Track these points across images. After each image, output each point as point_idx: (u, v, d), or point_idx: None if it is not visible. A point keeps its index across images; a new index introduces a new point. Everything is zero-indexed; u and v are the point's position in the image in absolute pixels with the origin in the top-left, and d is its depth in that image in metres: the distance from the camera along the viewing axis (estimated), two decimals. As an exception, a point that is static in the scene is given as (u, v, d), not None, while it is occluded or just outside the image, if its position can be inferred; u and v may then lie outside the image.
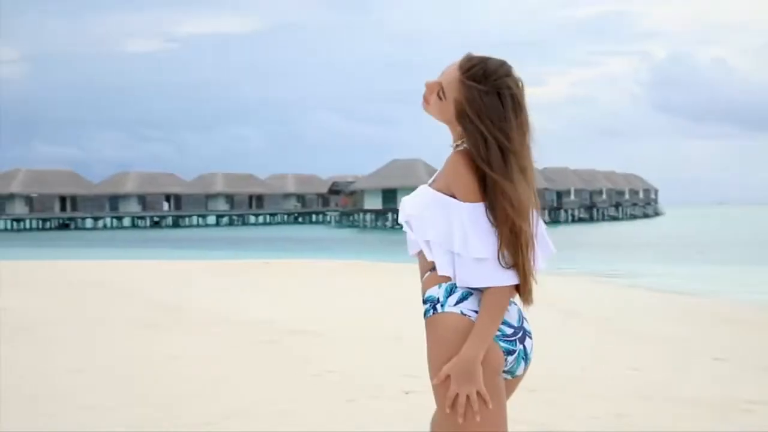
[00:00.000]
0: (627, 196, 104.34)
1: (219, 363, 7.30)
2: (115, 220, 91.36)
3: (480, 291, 2.46)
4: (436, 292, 2.48)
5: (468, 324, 2.43)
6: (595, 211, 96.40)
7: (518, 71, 2.52)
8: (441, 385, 2.42)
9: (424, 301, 2.51)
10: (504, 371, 2.52)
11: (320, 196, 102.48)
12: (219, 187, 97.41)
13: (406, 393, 6.00)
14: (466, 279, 2.45)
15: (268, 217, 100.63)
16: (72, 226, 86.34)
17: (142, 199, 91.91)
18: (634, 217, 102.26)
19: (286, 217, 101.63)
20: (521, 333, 2.55)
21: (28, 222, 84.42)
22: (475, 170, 2.44)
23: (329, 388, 6.18)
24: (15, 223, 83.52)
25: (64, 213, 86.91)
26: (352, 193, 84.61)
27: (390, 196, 77.70)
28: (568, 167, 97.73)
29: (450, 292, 2.47)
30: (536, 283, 2.52)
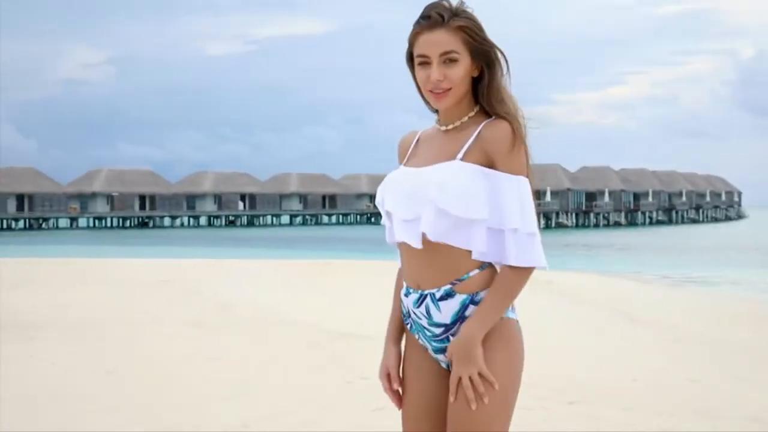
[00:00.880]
0: (708, 199, 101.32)
1: (256, 366, 7.18)
2: (191, 219, 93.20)
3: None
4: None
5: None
6: (674, 213, 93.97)
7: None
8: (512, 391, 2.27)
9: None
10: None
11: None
12: (293, 187, 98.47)
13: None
14: (523, 257, 2.22)
15: (341, 216, 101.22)
16: (150, 224, 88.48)
17: (218, 198, 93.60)
18: (715, 219, 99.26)
19: (358, 217, 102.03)
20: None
21: (109, 220, 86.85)
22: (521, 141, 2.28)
23: (359, 396, 5.97)
24: (97, 221, 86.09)
25: (144, 212, 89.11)
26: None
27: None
28: (646, 168, 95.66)
29: None
30: None
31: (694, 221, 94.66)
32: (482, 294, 2.26)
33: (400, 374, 2.43)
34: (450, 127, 2.35)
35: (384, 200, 2.37)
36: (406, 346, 2.46)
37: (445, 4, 2.26)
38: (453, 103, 2.30)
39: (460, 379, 2.22)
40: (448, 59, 2.25)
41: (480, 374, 2.21)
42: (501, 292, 2.24)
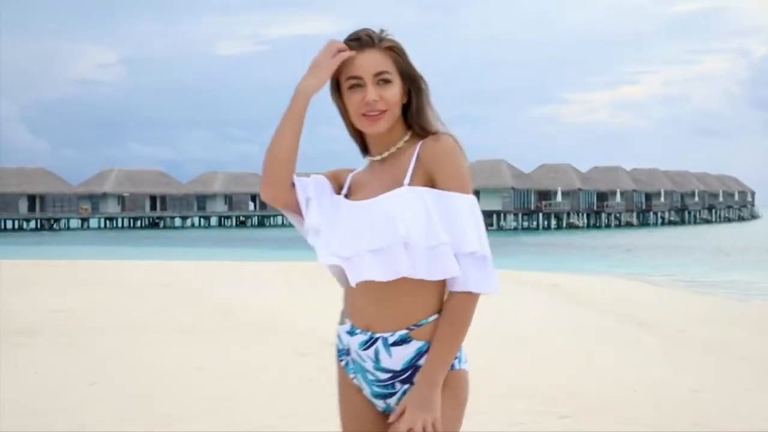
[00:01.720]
0: (721, 199, 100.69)
1: (245, 376, 7.00)
2: (202, 220, 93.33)
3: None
4: None
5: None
6: (686, 213, 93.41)
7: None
8: None
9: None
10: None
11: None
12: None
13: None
14: (484, 283, 2.08)
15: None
16: (161, 224, 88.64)
17: (229, 198, 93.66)
18: (728, 220, 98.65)
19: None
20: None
21: (119, 221, 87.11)
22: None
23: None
24: (108, 222, 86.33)
25: (154, 212, 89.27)
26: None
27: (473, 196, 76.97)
28: (657, 168, 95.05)
29: None
30: None
31: (707, 221, 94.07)
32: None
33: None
34: (386, 155, 2.20)
35: (330, 241, 2.15)
36: (339, 382, 2.27)
37: (370, 29, 2.19)
38: (387, 127, 2.17)
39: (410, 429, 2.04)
40: (382, 80, 2.14)
41: (433, 424, 2.05)
42: (458, 323, 2.08)
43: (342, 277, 2.17)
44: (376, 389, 2.16)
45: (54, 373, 7.00)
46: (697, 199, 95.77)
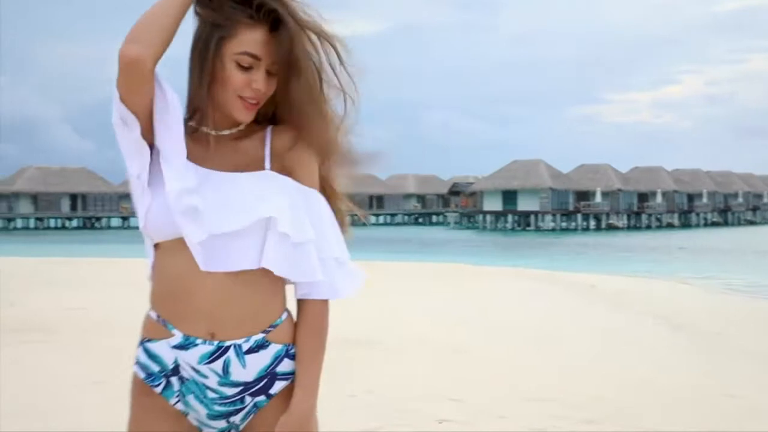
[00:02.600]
0: (766, 200, 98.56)
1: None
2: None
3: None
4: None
5: None
6: (729, 214, 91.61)
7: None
8: None
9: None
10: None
11: (440, 196, 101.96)
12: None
13: (440, 422, 5.28)
14: (345, 289, 1.85)
15: (388, 217, 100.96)
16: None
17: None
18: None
19: (406, 217, 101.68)
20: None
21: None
22: None
23: (360, 412, 5.53)
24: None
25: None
26: (472, 194, 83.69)
27: (510, 197, 76.36)
28: (700, 169, 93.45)
29: None
30: None
31: (751, 223, 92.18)
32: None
33: None
34: (226, 133, 1.83)
35: (202, 211, 1.72)
36: (141, 416, 1.81)
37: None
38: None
39: None
40: (273, 71, 1.81)
41: None
42: (323, 334, 1.83)
43: (169, 264, 1.77)
44: (218, 408, 1.80)
45: (59, 371, 6.86)
46: (741, 200, 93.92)
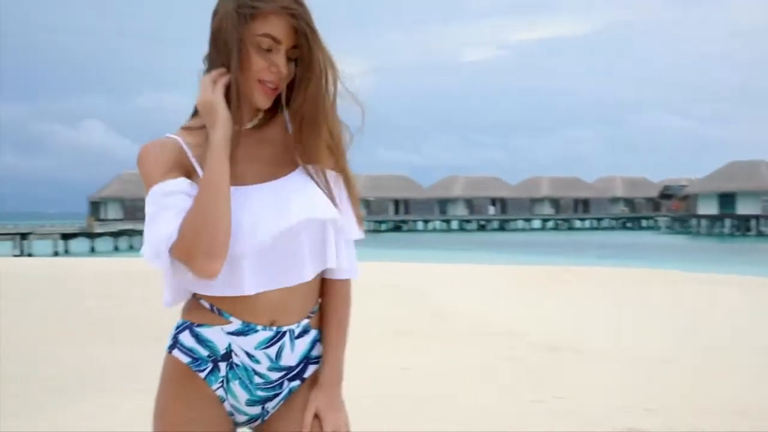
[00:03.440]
0: None
1: (441, 377, 6.81)
2: (443, 223, 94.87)
3: None
4: None
5: None
6: None
7: None
8: None
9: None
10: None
11: (650, 200, 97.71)
12: (544, 191, 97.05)
13: (629, 431, 5.03)
14: (357, 270, 1.97)
15: (594, 221, 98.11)
16: (404, 228, 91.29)
17: (469, 202, 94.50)
18: None
19: (613, 222, 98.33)
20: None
21: (365, 224, 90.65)
22: None
23: (543, 417, 5.39)
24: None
25: (398, 216, 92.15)
26: (685, 197, 79.52)
27: (728, 200, 71.84)
28: None
29: None
30: None
31: None
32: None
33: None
34: (249, 126, 1.86)
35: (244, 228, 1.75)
36: (182, 399, 1.82)
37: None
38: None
39: None
40: (292, 57, 1.84)
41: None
42: (349, 312, 1.95)
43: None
44: (260, 393, 1.85)
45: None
46: None
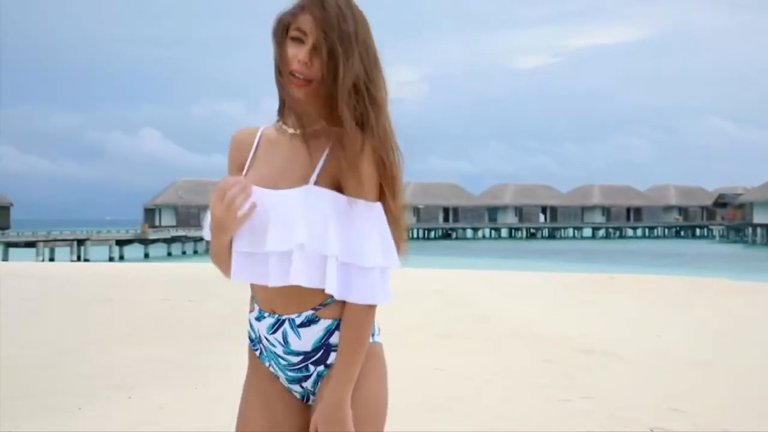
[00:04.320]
0: None
1: (475, 379, 7.03)
2: (493, 231, 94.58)
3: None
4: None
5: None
6: None
7: None
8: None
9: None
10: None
11: (704, 208, 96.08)
12: (595, 199, 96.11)
13: (652, 429, 5.20)
14: (371, 296, 1.99)
15: (646, 230, 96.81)
16: (453, 235, 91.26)
17: (519, 210, 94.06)
18: None
19: (666, 230, 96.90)
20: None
21: (414, 231, 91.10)
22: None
23: (568, 416, 5.58)
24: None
25: (447, 223, 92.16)
26: (741, 205, 78.04)
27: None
28: None
29: None
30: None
31: None
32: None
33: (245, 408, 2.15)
34: (299, 132, 2.03)
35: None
36: (249, 374, 2.19)
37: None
38: (306, 101, 2.00)
39: None
40: (317, 49, 2.01)
41: None
42: (354, 336, 1.99)
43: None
44: (290, 374, 2.10)
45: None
46: None
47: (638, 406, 5.89)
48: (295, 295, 2.01)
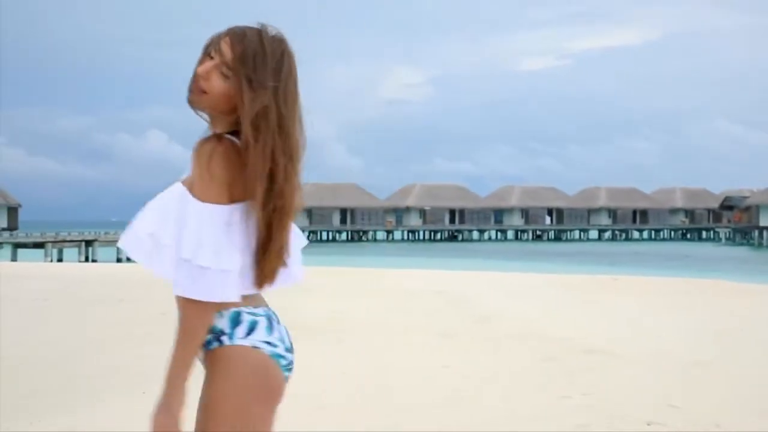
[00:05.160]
0: None
1: (479, 376, 7.17)
2: (499, 233, 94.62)
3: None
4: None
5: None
6: None
7: None
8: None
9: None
10: None
11: (710, 211, 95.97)
12: (601, 201, 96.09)
13: (648, 424, 5.35)
14: (189, 290, 2.06)
15: (652, 232, 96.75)
16: (459, 237, 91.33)
17: (525, 212, 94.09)
18: None
19: (672, 233, 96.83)
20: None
21: (421, 233, 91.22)
22: None
23: (567, 412, 5.72)
24: (410, 234, 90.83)
25: (453, 225, 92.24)
26: (747, 208, 77.95)
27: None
28: None
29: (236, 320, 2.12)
30: None
31: None
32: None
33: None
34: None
35: None
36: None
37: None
38: (201, 108, 2.12)
39: None
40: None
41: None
42: (180, 329, 2.06)
43: None
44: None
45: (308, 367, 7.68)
46: None
47: (636, 403, 6.03)
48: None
